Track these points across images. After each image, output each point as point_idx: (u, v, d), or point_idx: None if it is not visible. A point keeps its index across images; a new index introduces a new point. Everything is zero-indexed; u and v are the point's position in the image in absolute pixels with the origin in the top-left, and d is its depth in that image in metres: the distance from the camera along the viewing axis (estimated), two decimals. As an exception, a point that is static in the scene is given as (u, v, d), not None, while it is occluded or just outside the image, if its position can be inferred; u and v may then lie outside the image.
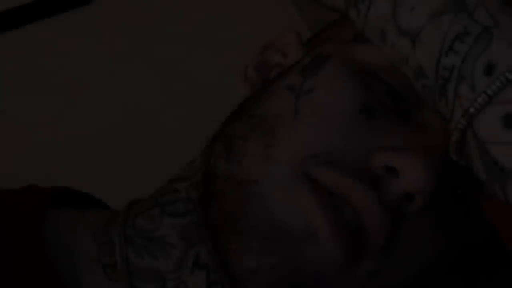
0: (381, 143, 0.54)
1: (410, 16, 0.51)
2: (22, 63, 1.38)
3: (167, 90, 1.37)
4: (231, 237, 0.54)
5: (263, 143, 0.56)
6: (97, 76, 1.38)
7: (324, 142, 0.54)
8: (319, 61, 0.58)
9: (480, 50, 0.48)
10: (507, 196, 0.48)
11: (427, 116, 0.55)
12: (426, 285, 0.58)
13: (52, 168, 1.24)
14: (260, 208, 0.54)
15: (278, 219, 0.53)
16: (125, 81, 1.38)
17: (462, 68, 0.48)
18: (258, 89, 0.62)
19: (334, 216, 0.53)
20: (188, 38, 1.39)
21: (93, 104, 1.36)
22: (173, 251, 0.57)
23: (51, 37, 1.39)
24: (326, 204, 0.53)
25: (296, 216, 0.53)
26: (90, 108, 1.36)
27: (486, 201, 0.52)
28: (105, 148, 1.33)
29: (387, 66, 0.55)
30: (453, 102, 0.49)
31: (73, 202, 0.63)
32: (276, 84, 0.59)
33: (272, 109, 0.57)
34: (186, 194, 0.59)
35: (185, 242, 0.57)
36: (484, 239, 0.58)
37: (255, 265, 0.53)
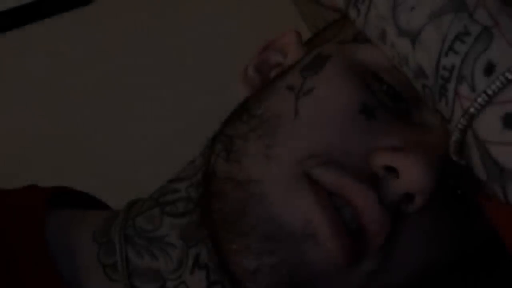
0: (381, 143, 0.54)
1: (410, 16, 0.51)
2: (22, 63, 1.38)
3: (167, 90, 1.37)
4: (231, 237, 0.54)
5: (263, 143, 0.56)
6: (97, 76, 1.37)
7: (324, 142, 0.54)
8: (319, 61, 0.58)
9: (480, 50, 0.48)
10: (507, 196, 0.48)
11: (427, 116, 0.55)
12: (426, 285, 0.58)
13: (52, 168, 1.24)
14: (260, 208, 0.54)
15: (278, 219, 0.53)
16: (125, 81, 1.38)
17: (462, 68, 0.48)
18: (258, 89, 0.62)
19: (334, 216, 0.53)
20: (188, 38, 1.39)
21: (93, 104, 1.36)
22: (173, 251, 0.57)
23: (51, 37, 1.39)
24: (326, 204, 0.53)
25: (296, 216, 0.53)
26: (90, 107, 1.36)
27: (486, 201, 0.52)
28: (105, 148, 1.33)
29: (387, 66, 0.55)
30: (453, 102, 0.49)
31: (73, 202, 0.63)
32: (276, 84, 0.59)
33: (272, 109, 0.57)
34: (186, 194, 0.59)
35: (185, 242, 0.57)
36: (484, 239, 0.58)
37: (255, 265, 0.53)
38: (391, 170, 0.53)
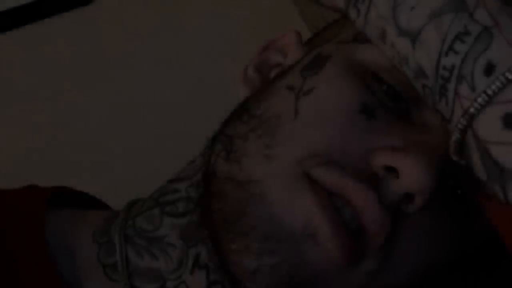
0: (381, 143, 0.54)
1: (410, 16, 0.51)
2: (22, 63, 1.38)
3: (167, 90, 1.37)
4: (231, 237, 0.54)
5: (263, 143, 0.56)
6: (97, 76, 1.37)
7: (324, 142, 0.54)
8: (319, 61, 0.58)
9: (480, 50, 0.48)
10: (507, 196, 0.48)
11: (427, 116, 0.55)
12: (426, 285, 0.58)
13: (52, 168, 1.24)
14: (260, 208, 0.54)
15: (278, 219, 0.53)
16: (125, 81, 1.38)
17: (462, 68, 0.48)
18: (258, 89, 0.62)
19: (334, 216, 0.53)
20: (188, 38, 1.39)
21: (93, 104, 1.36)
22: (173, 251, 0.57)
23: (51, 37, 1.39)
24: (326, 204, 0.53)
25: (296, 216, 0.53)
26: (90, 108, 1.36)
27: (486, 201, 0.52)
28: (105, 148, 1.33)
29: (387, 66, 0.55)
30: (453, 102, 0.49)
31: (73, 202, 0.63)
32: (276, 84, 0.59)
33: (272, 109, 0.57)
34: (186, 194, 0.59)
35: (185, 242, 0.57)
36: (484, 238, 0.58)
37: (255, 265, 0.53)
38: (391, 170, 0.53)
